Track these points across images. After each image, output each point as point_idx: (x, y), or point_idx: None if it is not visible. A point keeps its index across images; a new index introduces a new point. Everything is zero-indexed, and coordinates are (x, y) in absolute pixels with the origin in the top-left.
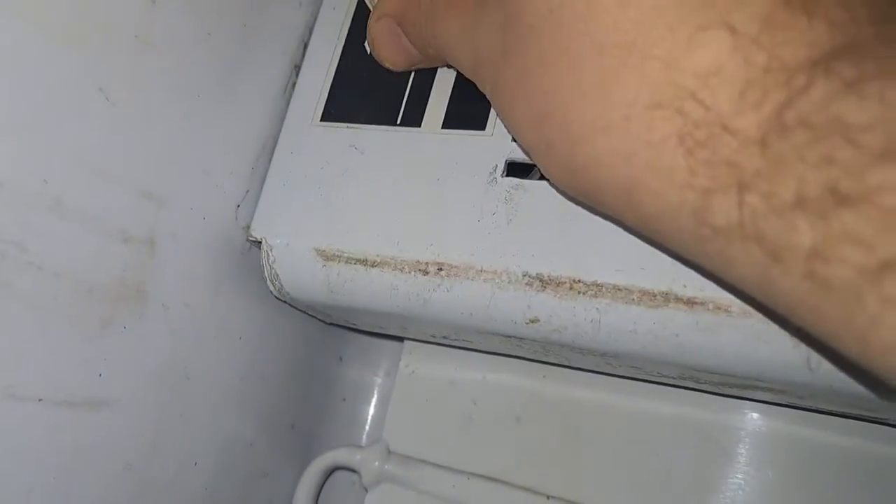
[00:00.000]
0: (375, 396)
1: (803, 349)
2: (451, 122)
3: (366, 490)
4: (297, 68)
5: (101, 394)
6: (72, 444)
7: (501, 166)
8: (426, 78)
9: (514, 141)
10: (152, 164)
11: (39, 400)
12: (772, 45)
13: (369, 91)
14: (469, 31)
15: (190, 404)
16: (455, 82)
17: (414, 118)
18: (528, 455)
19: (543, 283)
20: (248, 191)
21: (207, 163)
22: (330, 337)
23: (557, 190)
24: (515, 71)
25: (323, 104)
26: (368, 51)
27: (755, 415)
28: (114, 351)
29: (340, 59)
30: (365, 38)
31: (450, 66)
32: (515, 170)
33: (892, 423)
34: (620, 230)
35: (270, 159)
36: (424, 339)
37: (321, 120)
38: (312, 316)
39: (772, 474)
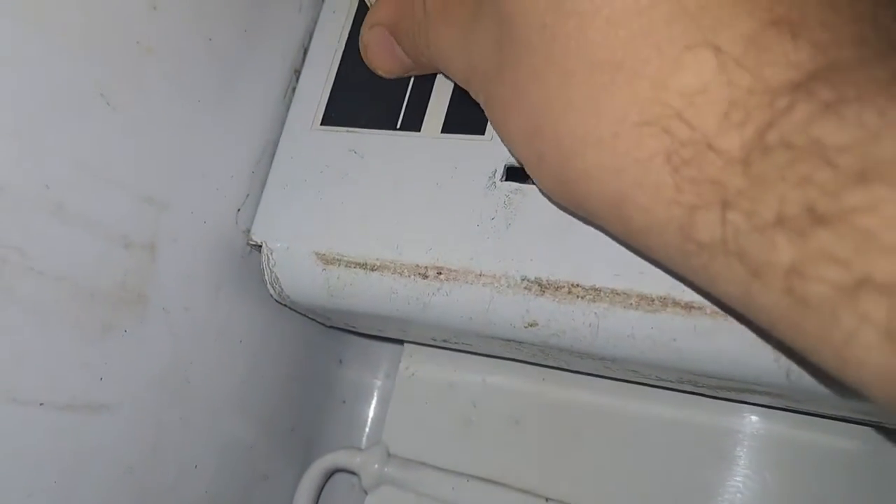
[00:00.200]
0: (375, 399)
1: (783, 361)
2: (450, 126)
3: (365, 492)
4: (298, 73)
5: (102, 398)
6: (73, 448)
7: (501, 171)
8: (426, 83)
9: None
10: (153, 168)
11: (41, 404)
12: (756, 66)
13: (369, 95)
14: (463, 42)
15: (190, 408)
16: (455, 87)
17: (414, 123)
18: (527, 458)
19: (542, 287)
20: (248, 195)
21: (208, 167)
22: (330, 340)
23: (550, 200)
24: (509, 84)
25: (323, 109)
26: None
27: (753, 418)
28: (115, 355)
29: (340, 64)
30: None
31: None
32: (515, 174)
33: (888, 425)
34: None
35: (271, 163)
36: (424, 342)
37: (321, 124)
38: (312, 319)
39: (770, 477)
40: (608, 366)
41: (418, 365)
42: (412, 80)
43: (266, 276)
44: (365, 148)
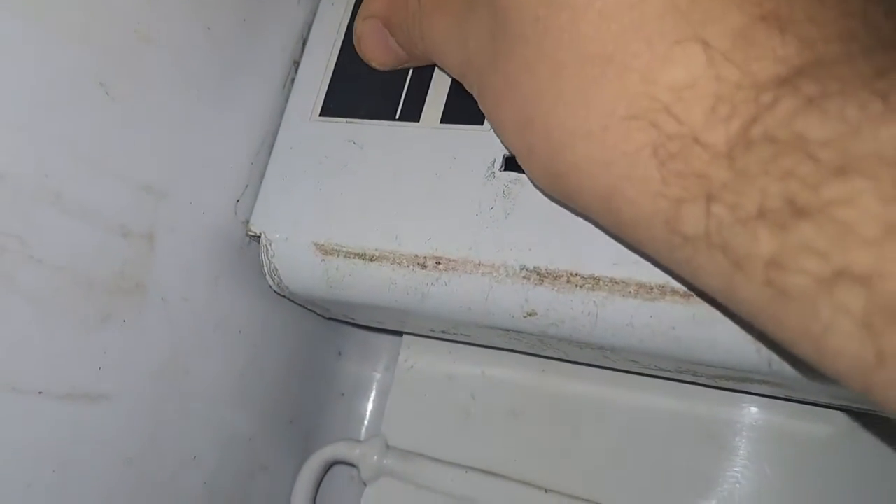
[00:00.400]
0: (374, 391)
1: (765, 352)
2: (449, 116)
3: (365, 484)
4: (297, 63)
5: (101, 387)
6: (71, 438)
7: (500, 160)
8: (425, 73)
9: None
10: (152, 158)
11: (39, 393)
12: (744, 61)
13: (368, 86)
14: (457, 34)
15: (189, 398)
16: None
17: (413, 113)
18: (526, 449)
19: (541, 276)
20: (247, 185)
21: (207, 157)
22: (329, 332)
23: (542, 192)
24: (501, 75)
25: (322, 99)
26: None
27: (753, 408)
28: (113, 345)
29: (339, 55)
30: None
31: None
32: (513, 164)
33: (887, 414)
34: None
35: (270, 154)
36: (423, 333)
37: (320, 115)
38: (311, 310)
39: (769, 468)
40: (607, 355)
41: (417, 357)
42: (411, 70)
43: (265, 267)
44: (364, 138)
